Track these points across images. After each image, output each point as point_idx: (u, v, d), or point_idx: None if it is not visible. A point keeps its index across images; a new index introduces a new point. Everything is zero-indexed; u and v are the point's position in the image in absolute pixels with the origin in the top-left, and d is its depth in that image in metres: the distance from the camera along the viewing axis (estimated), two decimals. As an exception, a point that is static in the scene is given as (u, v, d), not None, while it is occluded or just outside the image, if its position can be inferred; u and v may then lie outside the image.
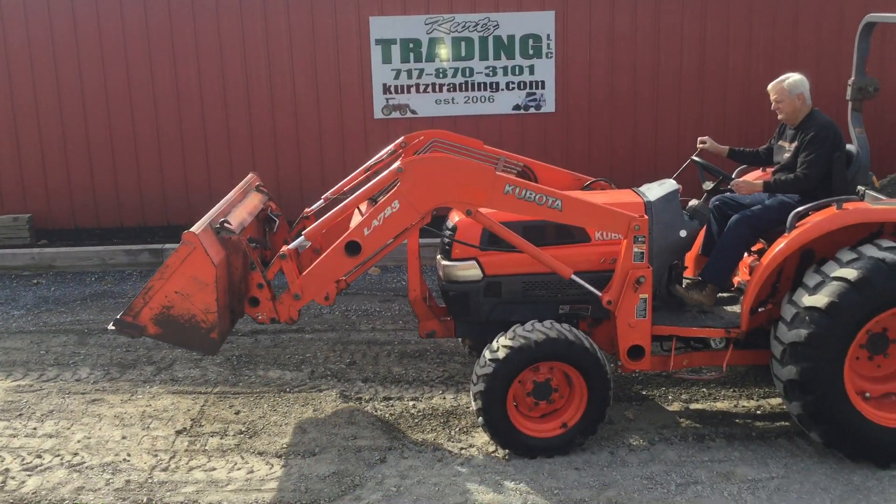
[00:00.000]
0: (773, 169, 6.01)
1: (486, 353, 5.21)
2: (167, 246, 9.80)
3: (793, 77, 5.76)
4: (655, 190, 5.78)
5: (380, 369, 6.75)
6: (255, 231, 6.11)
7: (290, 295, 5.38)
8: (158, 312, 5.15)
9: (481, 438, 5.53)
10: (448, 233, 5.70)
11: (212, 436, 5.70)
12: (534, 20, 10.14)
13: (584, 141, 10.50)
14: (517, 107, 10.35)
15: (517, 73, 10.26)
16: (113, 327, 5.22)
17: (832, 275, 4.99)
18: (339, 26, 10.12)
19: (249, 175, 6.65)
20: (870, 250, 5.02)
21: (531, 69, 10.26)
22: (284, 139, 10.35)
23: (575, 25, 10.20)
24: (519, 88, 10.30)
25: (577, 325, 5.66)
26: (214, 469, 5.29)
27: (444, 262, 5.68)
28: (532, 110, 10.36)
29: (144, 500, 4.96)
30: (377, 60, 10.16)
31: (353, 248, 5.22)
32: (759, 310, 5.59)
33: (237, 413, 6.00)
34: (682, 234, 5.61)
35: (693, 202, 5.80)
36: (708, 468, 5.20)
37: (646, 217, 5.28)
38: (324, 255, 5.35)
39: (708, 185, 5.89)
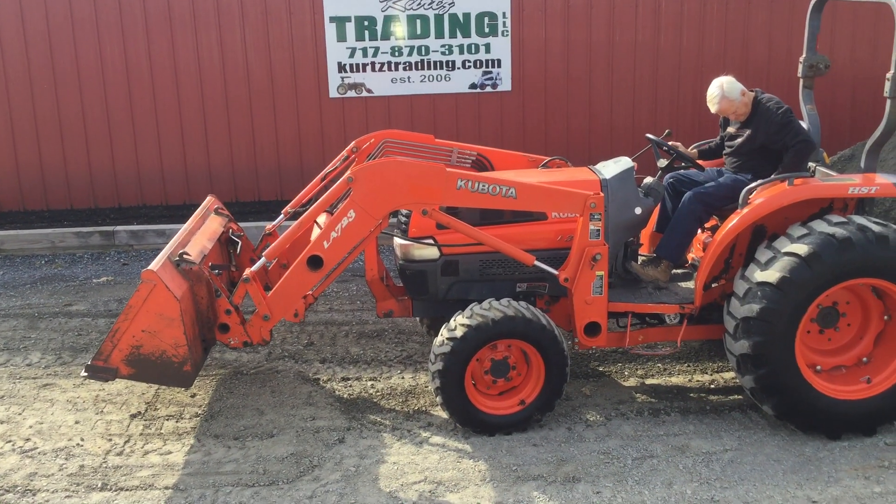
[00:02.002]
0: (725, 154, 6.07)
1: (444, 332, 5.22)
2: (118, 228, 9.63)
3: (723, 84, 5.71)
4: (611, 168, 5.80)
5: (337, 350, 6.72)
6: (218, 256, 6.08)
7: (260, 316, 5.38)
8: (129, 353, 5.14)
9: (440, 417, 5.54)
10: (405, 212, 5.68)
11: (167, 419, 5.63)
12: (489, -3, 10.09)
13: (541, 119, 10.51)
14: (473, 85, 10.31)
15: (473, 51, 10.21)
16: (85, 374, 5.19)
17: (783, 250, 5.07)
18: (292, 3, 9.96)
19: (208, 198, 6.60)
20: (820, 226, 5.10)
21: (487, 48, 10.22)
22: (238, 119, 10.18)
23: (530, 2, 10.17)
24: (475, 67, 10.26)
25: (534, 303, 5.69)
26: (170, 452, 5.23)
27: (401, 242, 5.66)
28: (489, 89, 10.34)
29: (99, 485, 4.89)
30: (332, 38, 10.03)
31: (315, 262, 5.24)
32: (713, 285, 5.66)
33: (193, 396, 5.94)
34: (638, 211, 5.65)
35: (648, 179, 5.84)
36: (663, 442, 5.27)
37: (601, 195, 5.31)
38: (287, 273, 5.36)
39: (662, 163, 5.94)
